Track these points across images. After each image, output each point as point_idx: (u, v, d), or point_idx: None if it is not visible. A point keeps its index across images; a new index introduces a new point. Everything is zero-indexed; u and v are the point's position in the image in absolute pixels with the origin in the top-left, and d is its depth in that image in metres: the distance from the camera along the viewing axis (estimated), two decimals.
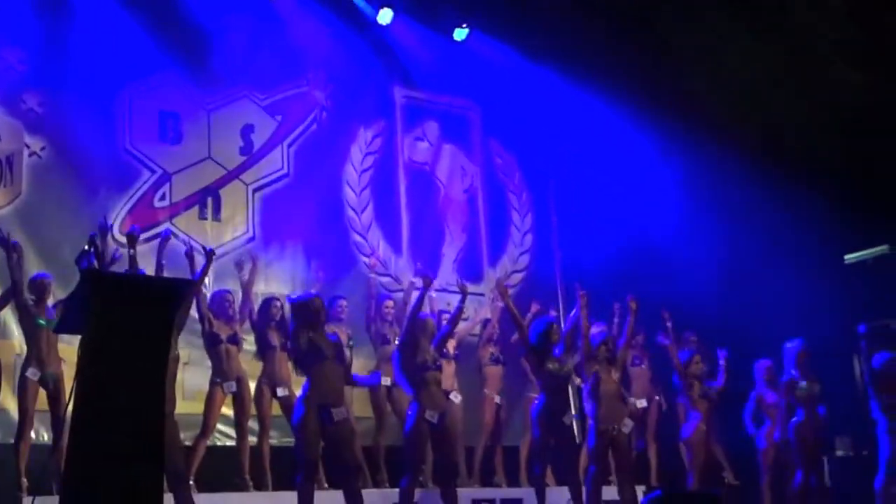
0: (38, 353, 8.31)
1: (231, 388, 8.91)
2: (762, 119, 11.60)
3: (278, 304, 9.41)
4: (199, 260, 8.90)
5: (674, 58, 11.74)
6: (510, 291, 12.09)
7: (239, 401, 9.01)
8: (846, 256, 11.59)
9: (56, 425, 8.09)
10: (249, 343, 9.46)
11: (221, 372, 8.94)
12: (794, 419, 9.72)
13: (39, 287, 8.49)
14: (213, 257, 8.64)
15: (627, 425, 8.96)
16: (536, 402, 8.89)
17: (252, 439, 9.22)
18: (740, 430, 10.33)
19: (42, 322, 8.31)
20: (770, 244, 11.76)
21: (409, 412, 8.29)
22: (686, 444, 9.55)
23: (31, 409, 8.29)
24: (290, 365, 8.86)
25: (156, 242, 9.10)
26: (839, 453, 11.29)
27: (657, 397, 11.06)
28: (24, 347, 8.45)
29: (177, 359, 7.87)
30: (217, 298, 9.17)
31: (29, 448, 8.22)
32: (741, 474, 10.61)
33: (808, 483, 9.72)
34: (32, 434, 8.47)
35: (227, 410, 9.24)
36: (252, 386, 9.24)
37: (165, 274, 8.47)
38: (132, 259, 8.13)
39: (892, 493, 9.49)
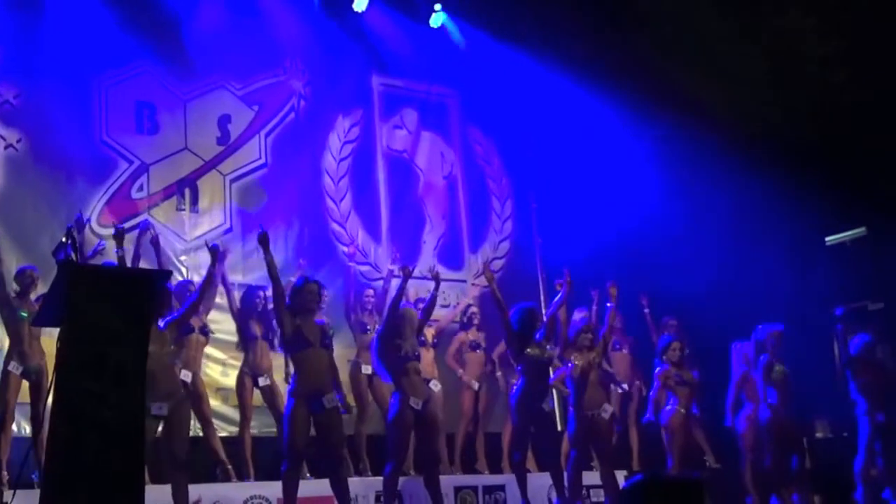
0: (19, 346, 8.28)
1: (186, 378, 8.86)
2: (742, 103, 11.61)
3: (260, 294, 9.41)
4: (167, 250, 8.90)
5: (654, 42, 11.72)
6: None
7: (194, 394, 8.93)
8: (827, 239, 11.65)
9: (36, 418, 8.06)
10: (222, 333, 9.50)
11: (183, 362, 8.91)
12: (770, 401, 9.75)
13: (26, 279, 8.44)
14: (218, 252, 8.46)
15: (607, 410, 8.99)
16: (515, 388, 8.89)
17: (234, 429, 9.22)
18: (722, 414, 10.33)
19: (24, 314, 8.26)
20: (750, 228, 11.79)
21: (392, 401, 8.28)
22: (665, 428, 9.57)
23: (13, 403, 8.26)
24: (271, 355, 8.89)
25: (134, 233, 9.08)
26: (819, 435, 11.35)
27: (637, 382, 11.10)
28: (5, 339, 8.41)
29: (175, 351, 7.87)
30: (179, 289, 9.11)
31: (10, 441, 8.19)
32: (723, 458, 10.66)
33: (789, 466, 9.76)
34: (14, 427, 8.44)
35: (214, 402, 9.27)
36: (232, 376, 9.27)
37: (142, 265, 8.47)
38: (121, 260, 8.09)
39: (872, 475, 9.55)
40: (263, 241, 7.82)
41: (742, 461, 10.16)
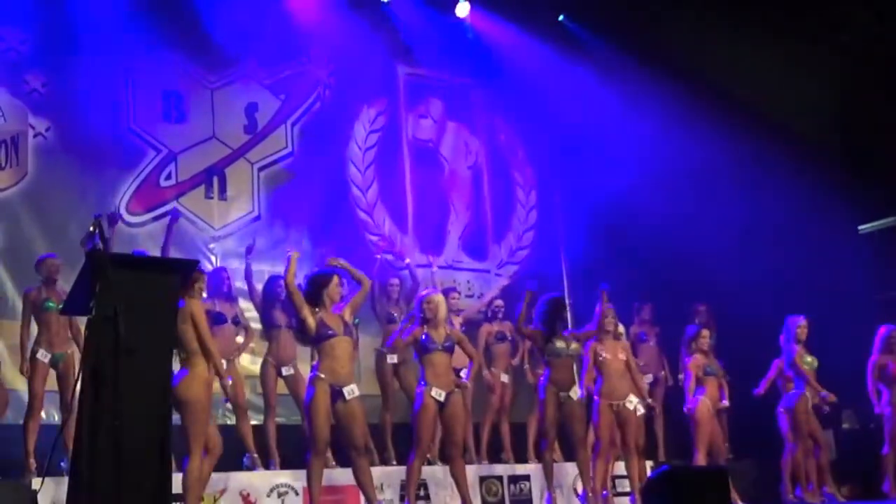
0: (47, 334, 8.31)
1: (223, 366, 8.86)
2: (774, 91, 11.52)
3: (283, 282, 9.43)
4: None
5: (681, 36, 11.63)
6: (514, 269, 12.19)
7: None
8: (860, 227, 11.57)
9: (65, 406, 8.12)
10: (252, 321, 9.54)
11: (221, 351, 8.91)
12: (794, 392, 9.72)
13: (47, 268, 8.44)
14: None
15: (632, 402, 8.98)
16: (543, 378, 8.88)
17: (261, 417, 9.27)
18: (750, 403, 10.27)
19: (51, 304, 8.28)
20: (782, 218, 11.67)
21: (418, 391, 8.27)
22: (692, 418, 9.55)
23: (41, 390, 8.27)
24: (295, 344, 8.90)
25: (163, 222, 9.12)
26: (845, 426, 11.30)
27: (663, 372, 11.07)
28: (34, 328, 8.45)
29: None
30: (213, 277, 9.13)
31: (38, 428, 8.23)
32: (751, 448, 10.63)
33: (812, 457, 9.73)
34: (43, 414, 8.49)
35: None
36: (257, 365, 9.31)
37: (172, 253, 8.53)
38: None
39: None
40: None
41: (784, 451, 10.10)
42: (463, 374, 9.34)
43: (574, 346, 8.85)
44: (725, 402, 9.75)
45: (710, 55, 11.50)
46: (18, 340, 8.47)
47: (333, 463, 8.85)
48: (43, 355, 8.27)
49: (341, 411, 7.51)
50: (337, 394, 7.45)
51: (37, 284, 8.43)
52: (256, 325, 9.58)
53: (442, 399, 8.13)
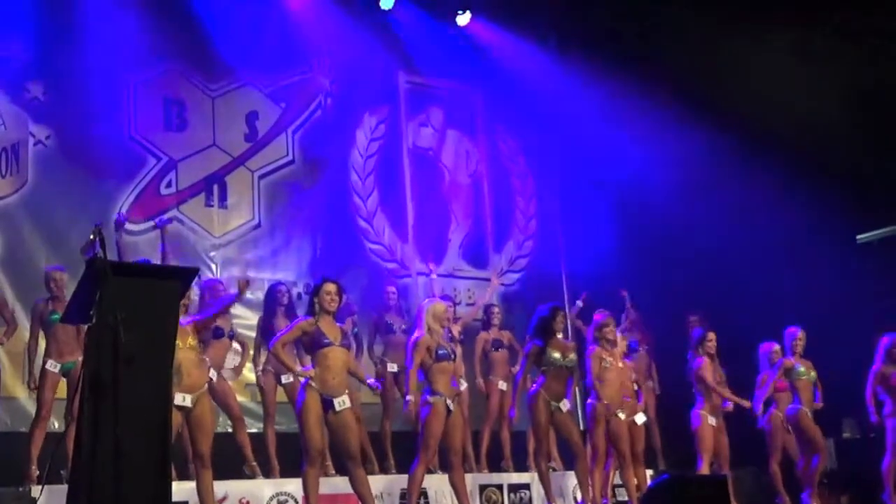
0: (56, 344, 8.29)
1: (213, 375, 8.83)
2: (774, 101, 11.52)
3: (284, 289, 9.43)
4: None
5: (683, 43, 11.63)
6: (514, 276, 12.20)
7: (220, 392, 8.91)
8: (858, 236, 11.55)
9: (69, 413, 8.09)
10: (252, 329, 9.54)
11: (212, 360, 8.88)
12: (793, 404, 9.70)
13: (51, 280, 8.41)
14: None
15: (625, 412, 8.96)
16: (534, 387, 8.81)
17: (261, 426, 9.26)
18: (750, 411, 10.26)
19: (56, 317, 8.26)
20: (782, 225, 11.66)
21: (425, 397, 8.17)
22: (694, 428, 9.53)
23: (50, 400, 8.23)
24: (294, 352, 8.89)
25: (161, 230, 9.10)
26: (846, 436, 11.29)
27: (649, 382, 11.00)
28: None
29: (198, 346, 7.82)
30: (208, 288, 9.07)
31: (43, 438, 8.21)
32: (749, 457, 10.60)
33: (810, 467, 9.71)
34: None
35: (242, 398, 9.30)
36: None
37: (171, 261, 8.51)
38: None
39: None
40: None
41: (769, 461, 10.10)
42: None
43: (571, 356, 8.80)
44: (729, 407, 9.72)
45: (712, 66, 11.48)
46: (20, 348, 8.46)
47: (333, 472, 8.83)
48: (52, 365, 8.25)
49: (333, 422, 7.47)
50: (328, 404, 7.42)
51: (45, 296, 8.42)
52: (251, 335, 9.57)
53: (452, 407, 8.08)
